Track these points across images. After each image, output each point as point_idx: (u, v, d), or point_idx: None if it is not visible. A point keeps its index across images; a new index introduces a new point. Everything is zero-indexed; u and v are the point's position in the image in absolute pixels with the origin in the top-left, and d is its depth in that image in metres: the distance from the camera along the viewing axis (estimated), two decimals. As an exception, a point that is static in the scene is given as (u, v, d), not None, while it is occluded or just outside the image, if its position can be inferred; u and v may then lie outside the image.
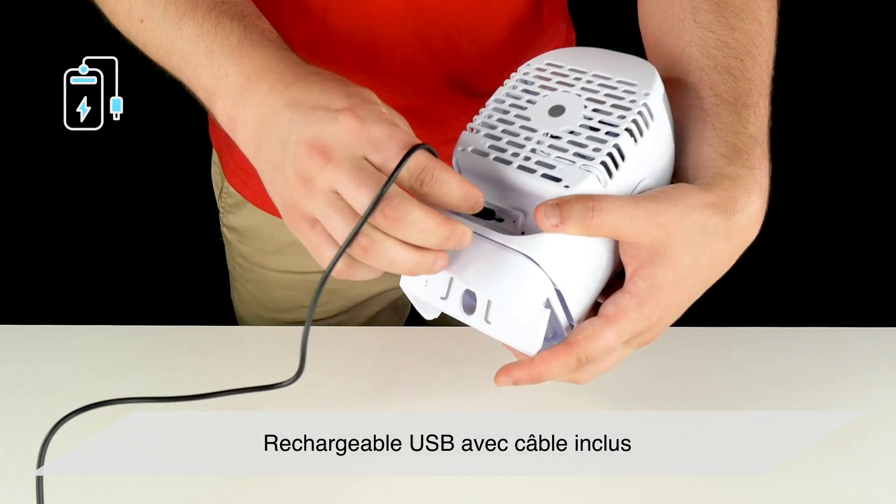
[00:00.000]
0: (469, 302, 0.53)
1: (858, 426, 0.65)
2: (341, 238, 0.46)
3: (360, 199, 0.45)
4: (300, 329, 0.71)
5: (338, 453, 0.62)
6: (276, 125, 0.48)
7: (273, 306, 0.88)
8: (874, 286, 1.83)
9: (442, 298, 0.53)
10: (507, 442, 0.63)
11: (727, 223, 0.49)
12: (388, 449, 0.62)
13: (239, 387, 0.55)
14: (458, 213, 0.51)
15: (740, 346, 0.74)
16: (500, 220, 0.52)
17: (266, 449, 0.62)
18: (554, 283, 0.49)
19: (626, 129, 0.50)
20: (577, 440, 0.63)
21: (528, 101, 0.53)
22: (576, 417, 0.65)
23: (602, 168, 0.49)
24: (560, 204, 0.47)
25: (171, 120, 1.64)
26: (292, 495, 0.58)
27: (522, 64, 0.56)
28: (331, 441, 0.62)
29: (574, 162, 0.50)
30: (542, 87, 0.54)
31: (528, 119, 0.53)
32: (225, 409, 0.65)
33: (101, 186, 1.89)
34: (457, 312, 0.53)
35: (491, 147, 0.52)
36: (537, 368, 0.50)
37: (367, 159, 0.46)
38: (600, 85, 0.53)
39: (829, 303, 1.81)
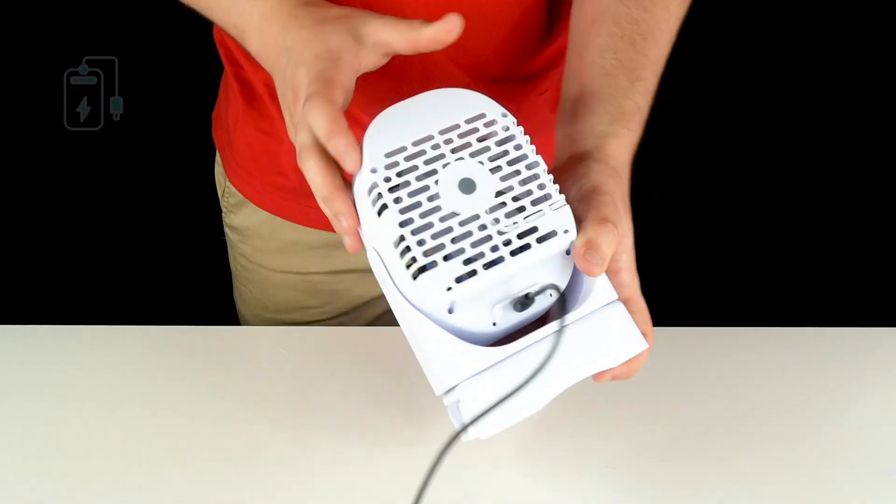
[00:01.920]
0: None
1: (858, 426, 0.65)
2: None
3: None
4: (301, 329, 0.71)
5: (338, 453, 0.62)
6: (278, 65, 0.57)
7: (273, 306, 0.88)
8: (874, 286, 1.83)
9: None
10: (510, 437, 0.63)
11: (625, 183, 0.57)
12: (388, 448, 0.62)
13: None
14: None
15: (740, 347, 0.74)
16: (530, 301, 0.51)
17: (266, 448, 0.62)
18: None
19: (532, 151, 0.51)
20: (576, 440, 0.63)
21: (429, 200, 0.49)
22: (576, 417, 0.65)
23: (560, 194, 0.51)
24: (592, 249, 0.51)
25: (174, 119, 1.65)
26: (292, 493, 0.58)
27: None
28: (330, 441, 0.62)
29: (541, 210, 0.50)
30: (419, 178, 0.50)
31: (457, 214, 0.49)
32: (225, 408, 0.65)
33: (102, 186, 1.89)
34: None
35: (466, 262, 0.49)
36: (635, 366, 0.56)
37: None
38: (461, 136, 0.51)
39: (830, 303, 1.81)
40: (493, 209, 0.50)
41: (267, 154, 0.81)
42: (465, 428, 0.50)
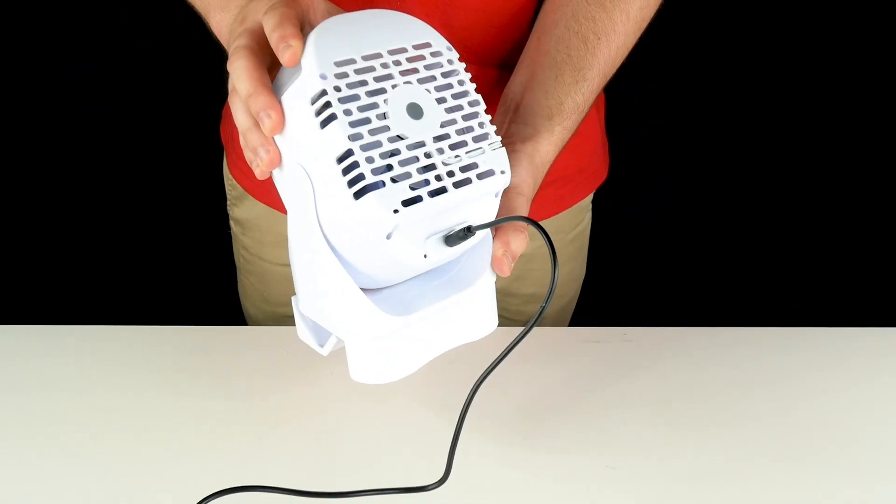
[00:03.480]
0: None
1: (858, 426, 0.65)
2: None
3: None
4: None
5: (338, 452, 0.62)
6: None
7: (273, 300, 0.89)
8: (874, 286, 1.83)
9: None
10: (511, 437, 0.63)
11: (540, 179, 0.60)
12: (388, 448, 0.62)
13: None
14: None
15: (740, 346, 0.74)
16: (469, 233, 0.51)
17: (266, 447, 0.62)
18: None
19: (474, 90, 0.51)
20: (576, 440, 0.63)
21: (378, 119, 0.48)
22: (576, 417, 0.65)
23: (497, 136, 0.51)
24: (506, 253, 0.53)
25: (187, 115, 1.64)
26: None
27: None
28: (330, 441, 0.62)
29: (481, 148, 0.50)
30: (369, 94, 0.48)
31: (405, 138, 0.48)
32: (225, 408, 0.65)
33: (108, 185, 1.89)
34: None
35: (412, 186, 0.48)
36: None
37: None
38: (409, 60, 0.50)
39: (830, 303, 1.81)
40: (438, 139, 0.49)
41: None
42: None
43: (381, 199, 0.46)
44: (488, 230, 0.53)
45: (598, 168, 0.87)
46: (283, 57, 0.47)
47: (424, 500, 0.56)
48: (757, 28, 2.05)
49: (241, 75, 0.49)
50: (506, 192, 0.55)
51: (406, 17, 0.52)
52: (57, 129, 1.95)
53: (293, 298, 0.56)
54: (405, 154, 0.47)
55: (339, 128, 0.46)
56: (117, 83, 1.97)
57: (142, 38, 1.97)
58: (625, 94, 0.77)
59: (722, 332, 0.76)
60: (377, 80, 0.48)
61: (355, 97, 0.47)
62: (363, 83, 0.48)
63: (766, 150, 2.04)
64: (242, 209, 0.86)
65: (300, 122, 0.48)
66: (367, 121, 0.47)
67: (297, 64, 0.47)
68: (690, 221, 1.94)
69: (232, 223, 0.91)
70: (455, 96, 0.51)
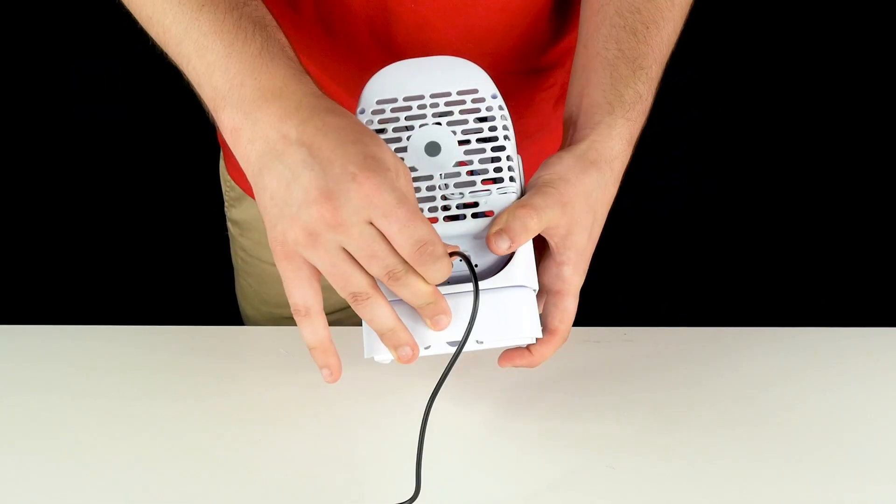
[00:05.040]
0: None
1: (858, 426, 0.65)
2: (351, 286, 0.52)
3: (372, 269, 0.50)
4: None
5: (338, 452, 0.62)
6: (284, 158, 0.49)
7: (271, 301, 0.89)
8: (874, 286, 1.83)
9: (427, 349, 0.54)
10: (511, 437, 0.63)
11: (606, 174, 0.57)
12: (388, 448, 0.62)
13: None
14: None
15: (741, 346, 0.74)
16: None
17: (266, 448, 0.62)
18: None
19: (504, 137, 0.54)
20: (576, 440, 0.63)
21: (398, 151, 0.54)
22: (576, 417, 0.65)
23: (512, 182, 0.54)
24: (503, 229, 0.52)
25: (183, 115, 1.64)
26: (292, 492, 0.58)
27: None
28: (330, 441, 0.62)
29: (488, 190, 0.53)
30: (395, 130, 0.54)
31: (415, 170, 0.54)
32: (225, 408, 0.65)
33: (107, 185, 1.89)
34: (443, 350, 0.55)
35: None
36: (536, 358, 0.58)
37: (373, 224, 0.49)
38: (448, 104, 0.55)
39: (829, 303, 1.81)
40: (447, 175, 0.54)
41: None
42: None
43: None
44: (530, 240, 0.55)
45: None
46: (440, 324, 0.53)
47: (421, 498, 0.56)
48: (773, 24, 2.05)
49: (419, 294, 0.51)
50: (534, 183, 0.55)
51: (466, 64, 0.56)
52: (56, 129, 1.95)
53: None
54: (415, 189, 0.53)
55: None
56: (116, 84, 1.97)
57: (140, 39, 1.97)
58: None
59: (722, 332, 0.76)
60: (408, 118, 0.54)
61: (382, 131, 0.54)
62: (395, 119, 0.54)
63: (770, 150, 2.04)
64: (241, 210, 0.86)
65: None
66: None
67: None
68: (690, 221, 1.94)
69: (229, 224, 0.90)
70: (480, 140, 0.54)
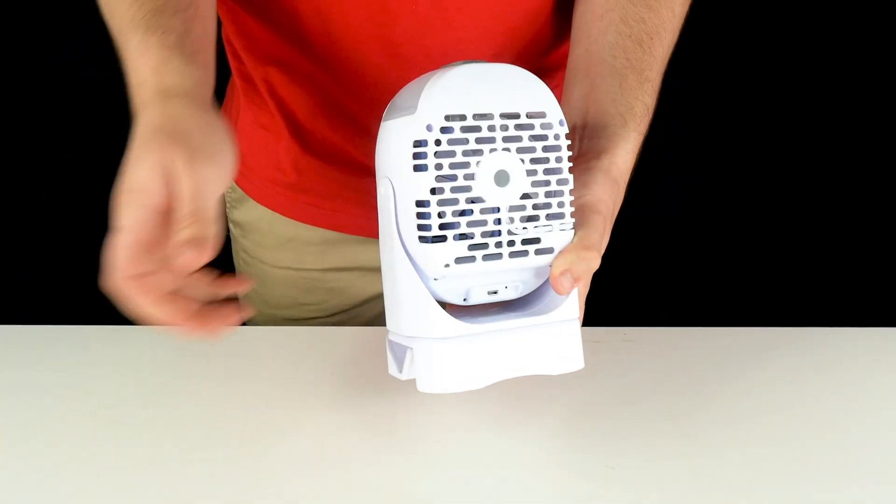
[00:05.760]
0: None
1: (858, 426, 0.65)
2: None
3: None
4: (302, 329, 0.71)
5: (338, 452, 0.62)
6: (145, 122, 0.55)
7: (273, 302, 0.89)
8: (874, 286, 1.83)
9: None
10: (510, 437, 0.63)
11: (622, 189, 0.60)
12: (388, 448, 0.62)
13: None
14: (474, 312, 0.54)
15: (741, 347, 0.74)
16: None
17: (266, 449, 0.62)
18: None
19: (568, 170, 0.53)
20: (576, 440, 0.63)
21: (465, 178, 0.51)
22: (576, 417, 0.65)
23: (571, 219, 0.54)
24: (569, 271, 0.53)
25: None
26: (292, 493, 0.58)
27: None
28: (330, 441, 0.62)
29: (551, 226, 0.53)
30: (465, 154, 0.51)
31: (483, 201, 0.52)
32: (225, 408, 0.66)
33: (105, 185, 1.89)
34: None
35: (471, 247, 0.51)
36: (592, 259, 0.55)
37: None
38: (517, 128, 0.52)
39: (829, 303, 1.81)
40: (513, 209, 0.52)
41: (265, 149, 0.81)
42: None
43: (438, 252, 0.51)
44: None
45: None
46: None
47: (422, 499, 0.56)
48: (764, 23, 2.05)
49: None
50: (580, 209, 0.55)
51: (531, 80, 0.54)
52: (57, 128, 1.95)
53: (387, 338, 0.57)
54: (477, 216, 0.51)
55: (425, 179, 0.50)
56: (118, 85, 1.97)
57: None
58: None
59: (722, 332, 0.76)
60: (478, 141, 0.51)
61: (451, 153, 0.51)
62: (464, 142, 0.51)
63: (768, 150, 2.04)
64: (242, 212, 0.86)
65: (400, 149, 0.51)
66: (453, 178, 0.51)
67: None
68: (690, 221, 1.94)
69: (231, 225, 0.90)
70: (547, 171, 0.53)
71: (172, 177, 0.51)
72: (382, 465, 0.61)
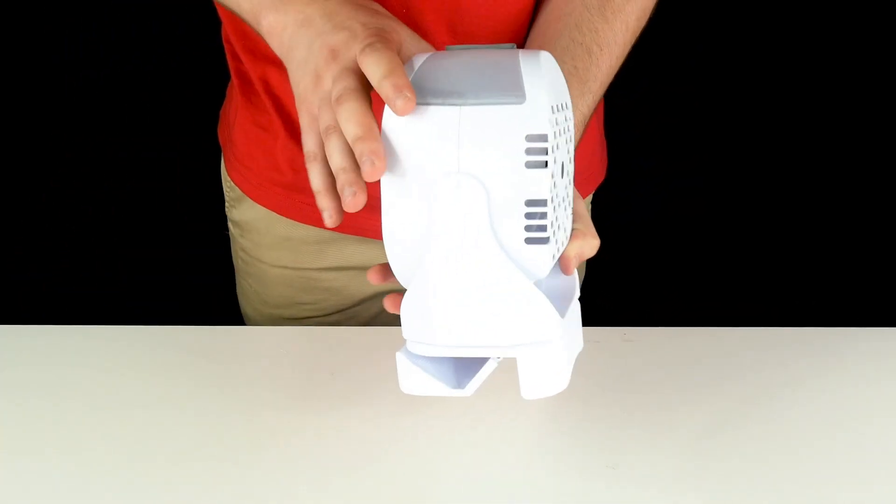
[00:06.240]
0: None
1: (858, 426, 0.65)
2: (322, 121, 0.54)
3: (335, 90, 0.52)
4: (301, 329, 0.71)
5: (338, 453, 0.62)
6: (309, 28, 0.55)
7: (272, 301, 0.89)
8: (874, 286, 1.83)
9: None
10: (509, 437, 0.63)
11: None
12: (387, 448, 0.62)
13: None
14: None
15: (740, 346, 0.74)
16: None
17: (265, 449, 0.62)
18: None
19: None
20: (576, 440, 0.63)
21: (557, 174, 0.48)
22: (576, 417, 0.65)
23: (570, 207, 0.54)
24: (579, 253, 0.54)
25: (186, 116, 1.64)
26: (292, 493, 0.58)
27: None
28: (330, 441, 0.62)
29: (568, 215, 0.52)
30: (557, 147, 0.47)
31: (558, 194, 0.49)
32: (225, 408, 0.65)
33: (105, 185, 1.89)
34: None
35: (558, 245, 0.50)
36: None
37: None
38: (567, 119, 0.51)
39: (829, 302, 1.81)
40: (563, 201, 0.50)
41: (263, 149, 0.81)
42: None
43: (547, 251, 0.47)
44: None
45: (596, 169, 0.87)
46: (397, 106, 0.47)
47: (421, 499, 0.56)
48: (751, 23, 2.05)
49: (352, 118, 0.49)
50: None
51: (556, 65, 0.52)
52: (58, 129, 1.95)
53: (400, 353, 0.52)
54: (560, 212, 0.49)
55: (546, 178, 0.45)
56: (118, 85, 1.97)
57: (140, 39, 1.97)
58: (620, 95, 0.77)
59: (722, 332, 0.76)
60: (562, 133, 0.48)
61: (556, 147, 0.46)
62: (556, 135, 0.47)
63: (765, 148, 2.03)
64: (241, 211, 0.86)
65: (498, 141, 0.46)
66: (556, 174, 0.47)
67: (408, 113, 0.47)
68: (690, 221, 1.94)
69: (230, 225, 0.90)
70: (570, 161, 0.51)
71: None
72: (382, 465, 0.61)
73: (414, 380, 0.52)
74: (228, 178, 0.87)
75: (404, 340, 0.52)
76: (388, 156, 0.48)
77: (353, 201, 0.50)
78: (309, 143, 0.55)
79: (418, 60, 0.50)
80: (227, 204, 0.90)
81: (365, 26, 0.53)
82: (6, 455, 0.61)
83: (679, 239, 1.91)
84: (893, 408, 0.68)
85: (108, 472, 0.60)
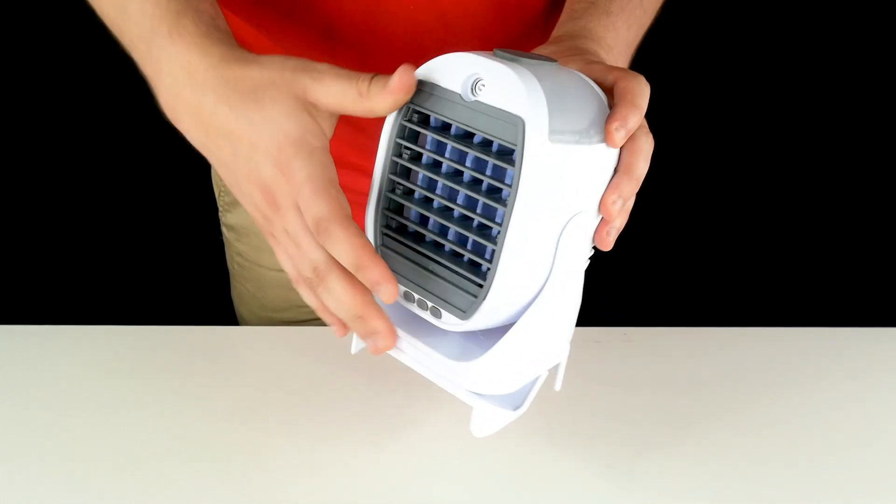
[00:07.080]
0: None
1: (858, 426, 0.65)
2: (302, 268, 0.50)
3: (302, 266, 0.50)
4: (299, 329, 0.71)
5: (337, 453, 0.62)
6: (209, 142, 0.51)
7: (270, 305, 0.89)
8: (874, 286, 1.83)
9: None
10: (509, 437, 0.63)
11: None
12: (387, 449, 0.62)
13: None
14: None
15: (740, 346, 0.74)
16: None
17: (265, 450, 0.62)
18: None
19: None
20: (576, 440, 0.63)
21: None
22: (576, 416, 0.65)
23: None
24: (620, 127, 0.48)
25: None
26: (291, 493, 0.58)
27: None
28: (330, 442, 0.62)
29: None
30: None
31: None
32: (224, 409, 0.66)
33: (102, 186, 1.89)
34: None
35: None
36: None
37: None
38: None
39: (829, 303, 1.81)
40: None
41: None
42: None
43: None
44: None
45: None
46: (382, 298, 0.46)
47: (421, 499, 0.56)
48: (751, 23, 2.05)
49: (342, 298, 0.47)
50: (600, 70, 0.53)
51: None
52: (53, 132, 1.95)
53: (477, 399, 0.52)
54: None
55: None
56: (117, 84, 1.97)
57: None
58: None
59: (722, 332, 0.76)
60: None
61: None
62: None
63: (765, 148, 2.03)
64: (235, 215, 0.86)
65: (601, 178, 0.50)
66: None
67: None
68: (690, 221, 1.94)
69: (224, 229, 0.90)
70: None
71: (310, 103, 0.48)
72: (382, 466, 0.61)
73: (491, 423, 0.54)
74: (221, 183, 0.86)
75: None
76: (522, 194, 0.44)
77: (385, 344, 0.48)
78: (287, 265, 0.52)
79: (530, 82, 0.46)
80: (220, 209, 0.89)
81: (285, 169, 0.47)
82: (6, 455, 0.61)
83: (679, 239, 1.91)
84: (893, 408, 0.68)
85: (107, 471, 0.60)
